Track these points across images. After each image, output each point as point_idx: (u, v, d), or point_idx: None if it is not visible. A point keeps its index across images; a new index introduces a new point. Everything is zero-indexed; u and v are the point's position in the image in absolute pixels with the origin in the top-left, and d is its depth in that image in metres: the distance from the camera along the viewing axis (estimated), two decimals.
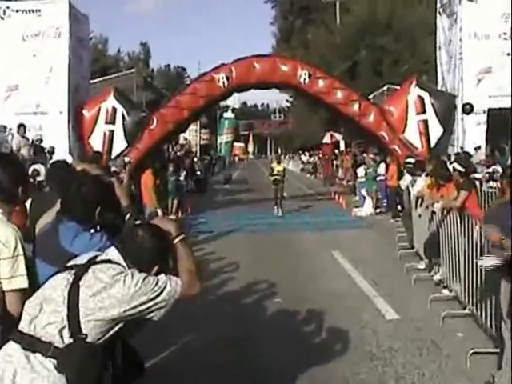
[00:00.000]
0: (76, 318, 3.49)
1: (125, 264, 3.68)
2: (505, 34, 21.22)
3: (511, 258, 5.84)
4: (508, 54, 21.00)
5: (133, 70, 34.44)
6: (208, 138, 67.16)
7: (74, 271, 3.63)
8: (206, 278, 12.14)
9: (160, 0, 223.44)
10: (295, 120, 77.25)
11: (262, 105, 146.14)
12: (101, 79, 30.75)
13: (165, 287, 3.71)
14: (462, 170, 10.46)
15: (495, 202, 11.17)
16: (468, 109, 21.08)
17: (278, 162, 24.69)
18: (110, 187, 4.72)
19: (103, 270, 3.60)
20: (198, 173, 35.65)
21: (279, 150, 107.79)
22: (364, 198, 23.61)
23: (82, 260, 3.74)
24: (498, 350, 6.74)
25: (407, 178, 15.57)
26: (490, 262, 6.11)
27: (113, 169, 16.91)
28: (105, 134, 21.17)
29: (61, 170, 6.85)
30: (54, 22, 21.20)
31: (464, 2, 21.76)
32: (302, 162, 61.53)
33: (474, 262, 8.37)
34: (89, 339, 3.50)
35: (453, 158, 16.27)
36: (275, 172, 23.54)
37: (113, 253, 3.75)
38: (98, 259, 3.70)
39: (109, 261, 3.68)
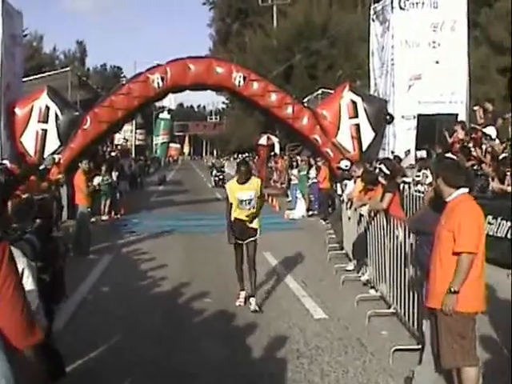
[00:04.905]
0: None
1: None
2: (434, 42, 21.85)
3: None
4: (437, 62, 21.64)
5: (67, 69, 33.94)
6: (143, 139, 66.66)
7: None
8: (138, 278, 12.22)
9: None
10: (231, 122, 77.32)
11: (199, 106, 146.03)
12: (35, 77, 30.21)
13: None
14: (387, 171, 10.71)
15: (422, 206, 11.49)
16: (389, 119, 21.54)
17: (244, 181, 10.19)
18: None
19: None
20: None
21: (215, 152, 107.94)
22: (297, 199, 23.88)
23: None
24: (419, 347, 6.99)
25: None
26: None
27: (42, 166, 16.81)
28: (37, 132, 20.78)
29: None
30: None
31: (396, 10, 22.27)
32: (237, 164, 61.65)
33: (399, 262, 8.66)
34: None
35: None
36: (240, 207, 10.18)
37: None
38: None
39: None
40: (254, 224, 10.28)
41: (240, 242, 10.21)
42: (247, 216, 10.18)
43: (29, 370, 3.76)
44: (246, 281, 10.25)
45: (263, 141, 43.79)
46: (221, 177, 41.81)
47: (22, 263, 3.70)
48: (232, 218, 10.20)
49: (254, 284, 10.21)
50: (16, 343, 3.44)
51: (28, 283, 3.66)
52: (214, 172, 43.59)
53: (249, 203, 10.09)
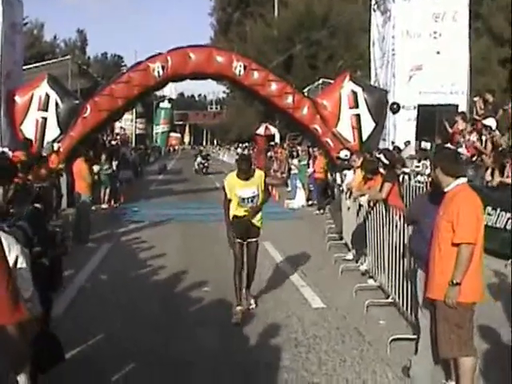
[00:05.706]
0: None
1: None
2: (435, 32, 21.80)
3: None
4: (438, 53, 21.58)
5: (68, 57, 33.93)
6: (144, 128, 66.63)
7: None
8: (137, 266, 12.23)
9: None
10: (232, 111, 77.19)
11: (200, 95, 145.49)
12: (35, 65, 30.17)
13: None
14: (386, 161, 10.72)
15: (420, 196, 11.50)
16: (395, 108, 21.50)
17: (247, 176, 8.90)
18: None
19: None
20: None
21: (215, 141, 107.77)
22: (296, 189, 23.88)
23: None
24: (415, 337, 7.00)
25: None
26: None
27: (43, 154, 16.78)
28: (37, 121, 20.76)
29: None
30: None
31: (397, 0, 22.20)
32: (237, 154, 61.71)
33: (397, 252, 8.66)
34: None
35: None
36: (241, 204, 9.11)
37: None
38: None
39: None
40: (257, 221, 9.21)
41: (241, 241, 9.19)
42: (247, 211, 9.06)
43: (12, 349, 3.74)
44: (244, 289, 9.34)
45: (261, 131, 43.81)
46: (205, 165, 41.82)
47: (15, 250, 3.70)
48: (231, 216, 9.14)
49: (252, 279, 9.47)
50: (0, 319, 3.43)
51: (22, 270, 3.65)
52: (199, 159, 43.32)
53: (251, 201, 8.98)
